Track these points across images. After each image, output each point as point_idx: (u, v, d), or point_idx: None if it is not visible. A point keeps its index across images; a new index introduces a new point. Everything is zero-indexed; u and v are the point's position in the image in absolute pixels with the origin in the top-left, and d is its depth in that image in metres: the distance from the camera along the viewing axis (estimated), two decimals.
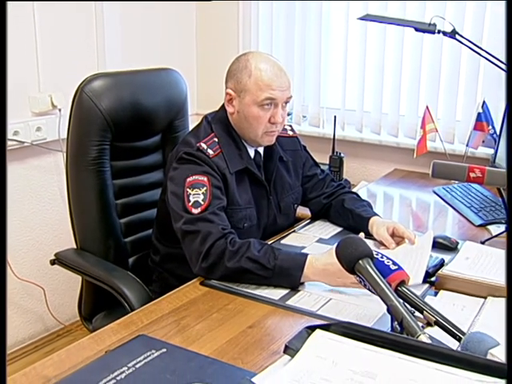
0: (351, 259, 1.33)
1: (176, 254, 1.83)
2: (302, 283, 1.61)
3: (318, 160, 2.19)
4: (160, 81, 2.19)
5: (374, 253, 1.36)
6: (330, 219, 2.10)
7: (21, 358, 2.81)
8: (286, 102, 1.85)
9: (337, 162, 2.71)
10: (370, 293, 1.33)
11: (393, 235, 1.84)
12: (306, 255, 1.63)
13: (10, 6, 2.50)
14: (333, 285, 1.58)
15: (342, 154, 2.73)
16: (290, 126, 2.11)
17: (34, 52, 2.66)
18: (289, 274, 1.60)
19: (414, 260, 1.69)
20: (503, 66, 2.47)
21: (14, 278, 2.73)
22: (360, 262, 1.31)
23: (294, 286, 1.60)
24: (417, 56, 2.84)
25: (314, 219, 2.13)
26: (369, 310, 1.48)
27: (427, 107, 2.69)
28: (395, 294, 1.25)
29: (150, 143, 2.18)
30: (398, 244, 1.83)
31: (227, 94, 1.85)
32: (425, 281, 1.62)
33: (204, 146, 1.81)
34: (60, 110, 2.71)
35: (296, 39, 3.12)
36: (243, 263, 1.61)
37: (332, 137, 2.74)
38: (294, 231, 2.02)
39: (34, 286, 2.82)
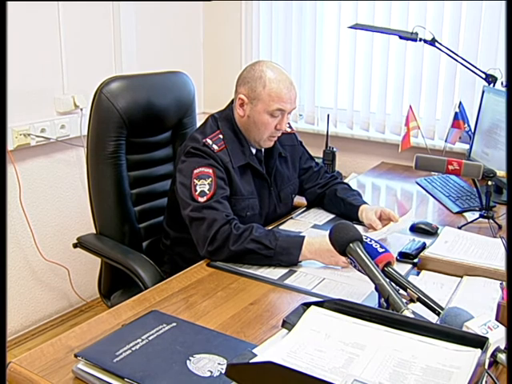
0: (343, 242, 1.32)
1: (185, 238, 1.82)
2: (300, 261, 1.61)
3: (312, 154, 2.18)
4: (170, 83, 2.18)
5: (364, 237, 1.35)
6: (323, 207, 2.09)
7: (48, 330, 2.82)
8: (289, 113, 1.84)
9: (330, 156, 2.69)
10: (359, 273, 1.33)
11: (380, 219, 1.84)
12: (303, 236, 1.63)
13: (39, 21, 2.51)
14: (326, 263, 1.59)
15: (334, 149, 2.71)
16: (289, 123, 2.09)
17: (59, 59, 2.65)
18: (289, 252, 1.60)
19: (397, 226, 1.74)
20: (477, 71, 2.46)
21: (41, 260, 2.73)
22: (351, 245, 1.31)
23: (293, 263, 1.60)
24: (401, 61, 2.82)
25: (309, 207, 2.12)
26: (358, 288, 1.47)
27: (410, 107, 2.67)
28: (382, 274, 1.25)
29: (161, 139, 2.17)
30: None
31: (240, 98, 1.83)
32: (400, 257, 1.62)
33: (209, 141, 1.79)
34: (82, 109, 2.70)
35: (293, 48, 3.10)
36: (247, 244, 1.60)
37: (325, 133, 2.72)
38: (291, 218, 2.01)
39: (59, 266, 2.82)
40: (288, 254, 1.60)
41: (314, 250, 1.59)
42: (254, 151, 1.90)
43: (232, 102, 1.90)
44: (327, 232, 1.39)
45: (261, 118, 1.80)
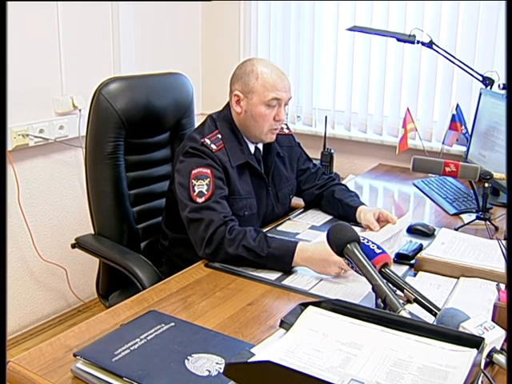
0: (340, 243, 1.32)
1: (183, 239, 1.82)
2: (293, 267, 1.60)
3: (310, 155, 2.18)
4: (169, 84, 2.18)
5: (361, 238, 1.35)
6: (321, 208, 2.09)
7: (47, 330, 2.82)
8: (286, 104, 1.85)
9: (327, 158, 2.70)
10: (356, 273, 1.33)
11: (378, 220, 1.84)
12: (296, 243, 1.61)
13: (37, 22, 2.51)
14: (317, 271, 1.56)
15: (332, 150, 2.72)
16: (286, 124, 2.10)
17: (57, 60, 2.65)
18: (280, 260, 1.58)
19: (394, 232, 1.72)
20: (474, 74, 2.47)
21: (39, 260, 2.73)
22: (348, 246, 1.31)
23: (286, 270, 1.59)
24: (398, 63, 2.83)
25: (307, 208, 2.12)
26: (355, 288, 1.48)
27: (408, 109, 2.68)
28: (379, 275, 1.25)
29: (159, 140, 2.17)
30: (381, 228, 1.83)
31: (235, 95, 1.83)
32: (397, 258, 1.62)
33: (208, 141, 1.80)
34: (80, 110, 2.71)
35: (291, 49, 3.11)
36: (239, 251, 1.60)
37: (323, 135, 2.73)
38: (289, 219, 2.02)
39: (57, 266, 2.82)
40: (280, 262, 1.58)
41: (306, 258, 1.57)
42: (252, 150, 1.91)
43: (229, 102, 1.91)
44: (323, 235, 1.39)
45: (258, 111, 1.80)
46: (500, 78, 2.44)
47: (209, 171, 1.74)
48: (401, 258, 1.65)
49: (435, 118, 2.82)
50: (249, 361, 1.00)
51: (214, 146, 1.79)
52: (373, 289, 1.24)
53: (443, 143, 2.66)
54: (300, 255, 1.57)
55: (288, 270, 1.59)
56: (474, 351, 0.98)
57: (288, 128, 2.09)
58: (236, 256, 1.61)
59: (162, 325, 1.23)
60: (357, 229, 1.41)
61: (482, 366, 1.00)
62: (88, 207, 2.08)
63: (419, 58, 2.77)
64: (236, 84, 1.84)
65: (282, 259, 1.58)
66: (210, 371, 1.06)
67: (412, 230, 1.87)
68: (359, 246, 1.32)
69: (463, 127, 2.59)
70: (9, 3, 2.35)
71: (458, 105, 2.59)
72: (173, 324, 1.24)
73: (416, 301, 1.25)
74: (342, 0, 2.91)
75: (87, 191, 2.06)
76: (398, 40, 2.49)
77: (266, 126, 1.83)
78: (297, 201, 2.16)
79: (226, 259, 1.63)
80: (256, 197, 1.90)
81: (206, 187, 1.71)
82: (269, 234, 1.81)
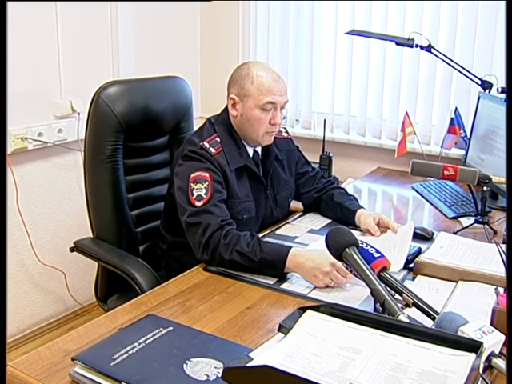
0: (339, 247, 1.33)
1: (181, 242, 1.81)
2: (286, 273, 1.58)
3: (309, 159, 2.18)
4: (168, 87, 2.18)
5: (360, 242, 1.35)
6: (320, 212, 2.09)
7: (45, 333, 2.82)
8: (283, 107, 1.84)
9: (326, 161, 2.70)
10: (355, 277, 1.33)
11: (378, 225, 1.84)
12: (289, 249, 1.58)
13: (36, 25, 2.52)
14: (307, 279, 1.53)
15: (331, 154, 2.72)
16: (285, 128, 2.11)
17: (56, 64, 2.66)
18: (273, 266, 1.57)
19: (395, 248, 1.69)
20: (473, 77, 2.47)
21: (38, 264, 2.73)
22: (347, 249, 1.31)
23: (279, 276, 1.57)
24: (397, 67, 2.84)
25: (305, 212, 2.12)
26: (354, 292, 1.48)
27: (407, 112, 2.68)
28: (378, 279, 1.25)
29: (158, 143, 2.17)
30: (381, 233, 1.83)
31: (231, 98, 1.84)
32: (404, 267, 1.61)
33: (207, 144, 1.80)
34: (79, 113, 2.71)
35: (290, 54, 3.12)
36: (233, 256, 1.59)
37: (322, 138, 2.73)
38: (287, 223, 2.02)
39: (56, 270, 2.82)
40: (272, 268, 1.57)
41: (299, 264, 1.54)
42: (251, 153, 1.91)
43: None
44: (322, 238, 1.39)
45: (253, 114, 1.80)
46: (498, 81, 2.45)
47: (207, 175, 1.74)
48: None
49: (434, 122, 2.82)
50: (247, 365, 1.00)
51: (212, 150, 1.79)
52: (371, 293, 1.24)
53: (442, 147, 2.66)
54: (292, 261, 1.55)
55: (280, 276, 1.57)
56: (473, 355, 0.98)
57: (287, 132, 2.09)
58: (230, 261, 1.60)
59: (161, 329, 1.23)
60: (356, 233, 1.41)
61: (481, 371, 1.00)
62: (87, 211, 2.08)
63: (418, 62, 2.77)
64: (232, 87, 1.84)
65: (275, 264, 1.57)
66: (208, 375, 1.06)
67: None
68: (358, 250, 1.32)
69: (462, 131, 2.59)
70: (8, 6, 2.35)
71: (456, 108, 2.59)
72: (171, 328, 1.24)
73: (415, 305, 1.25)
74: (341, 0, 2.91)
75: (86, 195, 2.06)
76: (397, 44, 2.49)
77: (262, 130, 1.83)
78: (295, 204, 2.16)
79: (223, 263, 1.62)
80: (254, 200, 1.90)
81: (204, 191, 1.71)
82: (267, 238, 1.82)
